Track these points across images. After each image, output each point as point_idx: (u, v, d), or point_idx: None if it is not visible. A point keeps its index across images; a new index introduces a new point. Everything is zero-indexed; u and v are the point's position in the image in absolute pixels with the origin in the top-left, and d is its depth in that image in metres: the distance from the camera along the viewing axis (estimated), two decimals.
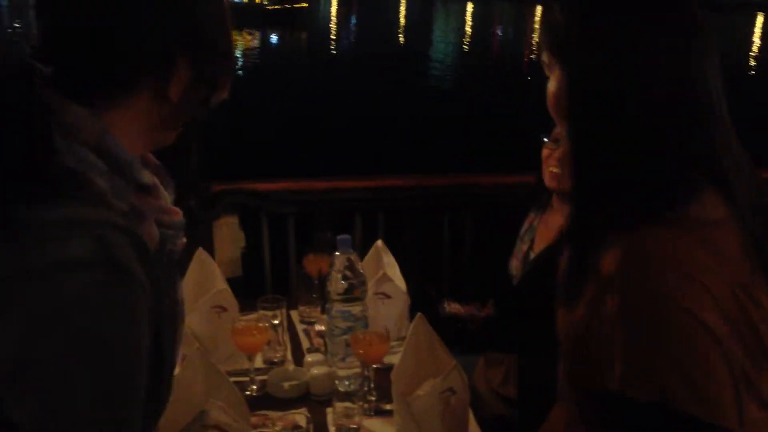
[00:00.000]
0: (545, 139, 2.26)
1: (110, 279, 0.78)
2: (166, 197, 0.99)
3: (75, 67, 0.88)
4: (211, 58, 0.96)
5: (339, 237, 1.82)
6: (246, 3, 28.00)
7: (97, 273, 0.77)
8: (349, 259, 1.81)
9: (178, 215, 1.00)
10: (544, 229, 2.34)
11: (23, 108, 0.83)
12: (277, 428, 1.46)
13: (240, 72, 16.32)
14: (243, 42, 22.48)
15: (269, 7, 28.53)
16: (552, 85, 1.11)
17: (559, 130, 2.20)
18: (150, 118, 0.94)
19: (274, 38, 25.67)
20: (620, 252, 0.99)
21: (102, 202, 0.84)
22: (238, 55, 19.50)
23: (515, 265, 2.37)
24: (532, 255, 2.32)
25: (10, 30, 26.31)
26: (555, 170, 2.20)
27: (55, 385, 0.74)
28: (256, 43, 23.87)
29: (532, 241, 2.35)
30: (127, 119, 0.91)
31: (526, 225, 2.40)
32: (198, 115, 1.01)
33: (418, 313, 1.63)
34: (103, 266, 0.78)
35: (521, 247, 2.37)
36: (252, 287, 2.54)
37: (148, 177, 0.94)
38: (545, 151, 2.25)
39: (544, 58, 1.13)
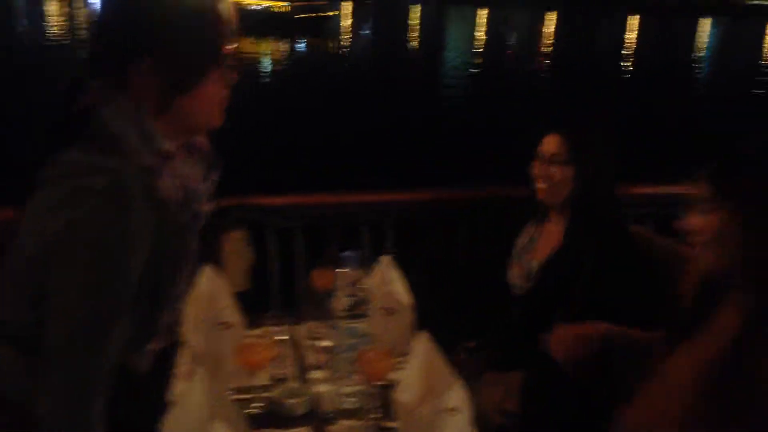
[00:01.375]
0: (540, 157, 2.35)
1: (114, 205, 1.22)
2: (181, 167, 1.40)
3: (104, 72, 1.35)
4: (172, 64, 1.32)
5: (342, 254, 1.82)
6: (274, 11, 28.65)
7: (106, 199, 1.21)
8: (352, 276, 1.81)
9: (197, 182, 1.44)
10: (544, 240, 2.41)
11: (77, 96, 1.34)
12: None
13: (264, 79, 16.54)
14: (269, 49, 22.93)
15: (298, 16, 29.03)
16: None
17: (545, 148, 2.33)
18: (144, 106, 1.34)
19: (301, 46, 26.03)
20: None
21: (129, 156, 1.29)
22: (266, 63, 19.85)
23: (517, 274, 2.42)
24: (536, 264, 2.37)
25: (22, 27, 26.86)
26: (542, 186, 2.33)
27: (67, 266, 1.22)
28: (283, 50, 24.24)
29: (533, 251, 2.42)
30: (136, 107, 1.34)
31: (525, 237, 2.47)
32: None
33: (423, 331, 1.62)
34: (112, 195, 1.22)
35: (525, 257, 2.42)
36: (260, 301, 2.54)
37: (167, 146, 1.35)
38: (534, 169, 2.36)
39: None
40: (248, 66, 18.36)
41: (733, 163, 1.53)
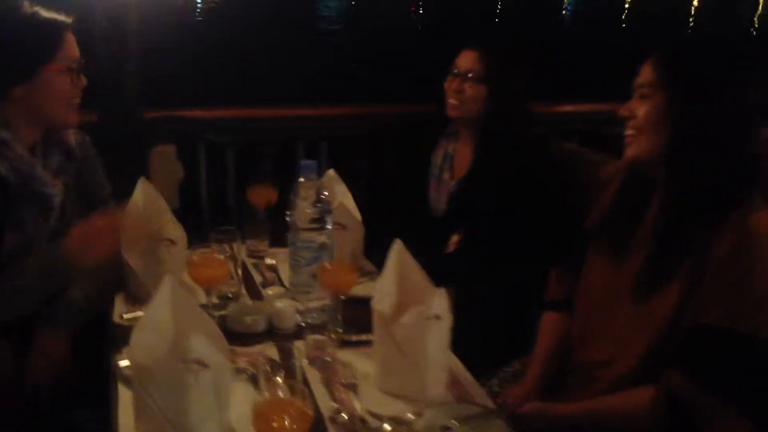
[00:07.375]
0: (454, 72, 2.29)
1: None
2: (20, 153, 1.68)
3: None
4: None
5: (303, 162, 1.72)
6: None
7: None
8: (313, 186, 1.71)
9: (30, 165, 1.70)
10: (459, 158, 2.36)
11: None
12: (258, 364, 1.37)
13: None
14: None
15: None
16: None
17: (460, 62, 2.27)
18: None
19: None
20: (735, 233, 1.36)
21: None
22: None
23: (434, 196, 2.38)
24: (454, 184, 2.33)
25: None
26: (452, 101, 2.28)
27: None
28: None
29: (451, 170, 2.36)
30: None
31: (440, 154, 2.40)
32: None
33: (396, 240, 1.56)
34: None
35: (443, 177, 2.36)
36: (189, 220, 2.39)
37: (2, 134, 1.66)
38: (447, 84, 2.30)
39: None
40: None
41: (679, 50, 1.56)
